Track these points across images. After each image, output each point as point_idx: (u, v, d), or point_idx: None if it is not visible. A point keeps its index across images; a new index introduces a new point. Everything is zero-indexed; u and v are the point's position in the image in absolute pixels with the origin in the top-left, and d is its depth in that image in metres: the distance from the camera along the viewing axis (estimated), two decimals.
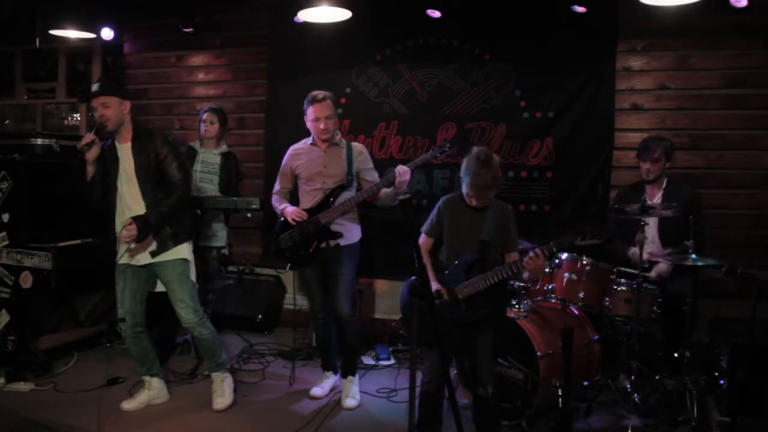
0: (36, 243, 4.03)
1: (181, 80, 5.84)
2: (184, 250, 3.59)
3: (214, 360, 3.75)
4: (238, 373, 4.23)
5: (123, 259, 3.51)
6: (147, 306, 3.65)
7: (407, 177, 3.51)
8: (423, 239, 3.17)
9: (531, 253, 2.81)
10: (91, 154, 3.41)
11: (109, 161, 3.49)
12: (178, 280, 3.56)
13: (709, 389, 3.57)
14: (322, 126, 3.66)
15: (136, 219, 3.36)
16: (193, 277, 3.64)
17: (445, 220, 3.11)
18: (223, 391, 3.73)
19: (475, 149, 2.99)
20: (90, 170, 3.45)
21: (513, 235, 3.07)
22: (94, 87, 3.47)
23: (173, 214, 3.48)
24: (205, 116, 4.61)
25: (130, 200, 3.48)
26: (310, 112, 3.68)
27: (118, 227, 3.49)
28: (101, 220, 3.63)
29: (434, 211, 3.15)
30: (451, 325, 2.93)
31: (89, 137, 3.39)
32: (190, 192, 3.72)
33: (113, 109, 3.42)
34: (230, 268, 5.50)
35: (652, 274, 3.85)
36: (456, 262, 3.02)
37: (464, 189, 2.99)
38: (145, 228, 3.39)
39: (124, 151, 3.48)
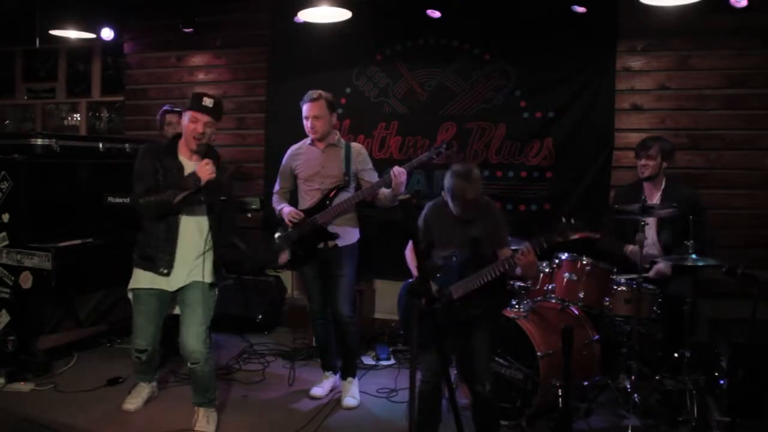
0: (36, 243, 4.02)
1: (181, 80, 5.84)
2: (211, 274, 3.34)
3: (207, 396, 3.40)
4: (238, 373, 4.25)
5: (154, 284, 3.27)
6: None
7: (403, 178, 3.54)
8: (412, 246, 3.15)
9: (522, 248, 2.83)
10: None
11: (172, 177, 3.22)
12: (206, 301, 3.29)
13: (709, 389, 3.57)
14: (308, 125, 3.70)
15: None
16: (212, 309, 3.38)
17: (432, 224, 3.13)
18: (207, 422, 3.37)
19: (454, 166, 3.03)
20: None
21: (503, 231, 3.08)
22: (210, 102, 3.19)
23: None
24: (169, 118, 4.64)
25: (199, 211, 3.28)
26: (303, 110, 3.72)
27: (181, 245, 3.24)
28: (101, 220, 3.62)
29: (420, 219, 3.18)
30: (447, 325, 2.92)
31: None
32: None
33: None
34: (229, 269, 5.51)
35: (651, 273, 3.85)
36: (448, 261, 3.02)
37: (449, 203, 3.01)
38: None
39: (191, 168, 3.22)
